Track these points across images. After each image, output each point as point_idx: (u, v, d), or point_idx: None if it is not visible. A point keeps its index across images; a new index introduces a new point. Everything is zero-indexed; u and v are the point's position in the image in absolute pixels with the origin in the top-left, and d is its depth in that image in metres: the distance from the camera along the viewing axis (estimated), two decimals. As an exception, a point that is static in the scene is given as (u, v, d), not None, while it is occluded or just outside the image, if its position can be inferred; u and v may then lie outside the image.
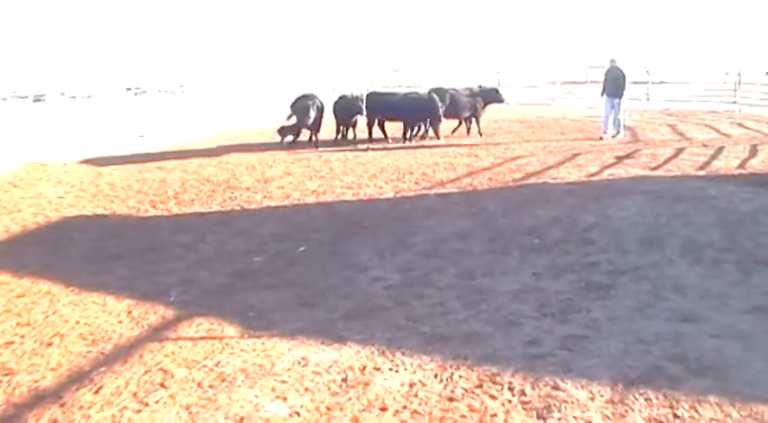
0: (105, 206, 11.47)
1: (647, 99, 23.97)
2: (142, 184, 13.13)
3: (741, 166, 12.34)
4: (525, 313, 6.47)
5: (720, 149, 14.14)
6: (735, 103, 21.69)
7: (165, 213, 10.95)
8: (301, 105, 16.80)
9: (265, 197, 11.67)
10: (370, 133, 17.47)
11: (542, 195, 10.63)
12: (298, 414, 4.77)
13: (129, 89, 39.12)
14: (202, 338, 6.17)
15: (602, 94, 16.82)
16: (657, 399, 4.72)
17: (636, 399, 4.74)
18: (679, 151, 14.14)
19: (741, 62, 23.92)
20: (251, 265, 8.21)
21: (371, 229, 9.43)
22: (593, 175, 12.05)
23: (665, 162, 12.90)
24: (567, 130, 18.32)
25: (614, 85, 16.35)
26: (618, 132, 16.79)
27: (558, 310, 6.52)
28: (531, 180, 11.86)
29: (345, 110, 17.58)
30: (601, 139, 16.56)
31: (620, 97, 16.31)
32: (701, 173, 11.92)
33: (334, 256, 8.36)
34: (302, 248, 8.83)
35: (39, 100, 31.71)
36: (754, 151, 13.70)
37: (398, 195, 11.34)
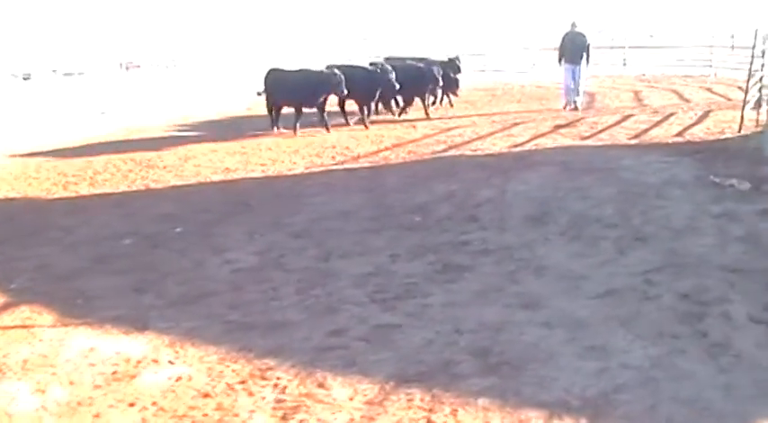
0: (20, 189, 10.87)
1: (624, 64, 23.00)
2: (66, 164, 12.47)
3: (680, 133, 11.64)
4: (355, 299, 5.91)
5: (668, 116, 13.48)
6: (710, 67, 20.71)
7: (72, 195, 10.37)
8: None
9: (176, 176, 11.06)
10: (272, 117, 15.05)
11: (451, 169, 10.05)
12: (45, 408, 4.32)
13: (122, 65, 38.62)
14: (13, 327, 5.70)
15: (560, 62, 15.66)
16: (422, 400, 4.17)
17: (398, 399, 4.20)
18: (625, 118, 13.50)
19: (732, 26, 22.88)
20: (116, 249, 7.68)
21: (257, 208, 8.91)
22: (517, 145, 11.47)
23: (601, 131, 12.26)
24: (528, 98, 17.64)
25: (575, 51, 15.16)
26: (575, 102, 15.76)
27: (394, 296, 5.95)
28: (451, 152, 11.28)
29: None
30: (565, 109, 15.58)
31: (580, 64, 15.09)
32: (633, 141, 11.23)
33: (204, 238, 7.85)
34: (178, 229, 8.22)
35: (27, 78, 31.31)
36: (702, 117, 12.94)
37: (307, 171, 10.67)
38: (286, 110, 14.30)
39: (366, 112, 14.91)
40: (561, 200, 8.15)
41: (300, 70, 14.72)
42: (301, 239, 7.61)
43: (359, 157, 11.47)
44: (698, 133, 11.69)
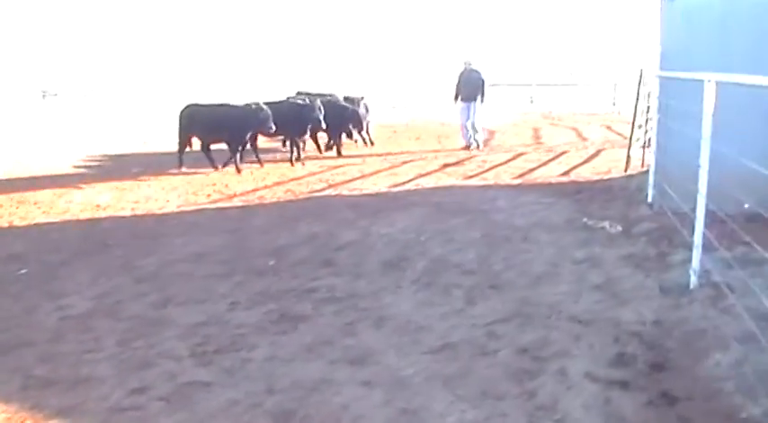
0: None
1: (531, 101, 23.02)
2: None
3: (566, 173, 11.38)
4: (174, 352, 5.47)
5: (559, 155, 13.35)
6: (614, 105, 20.83)
7: None
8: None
9: (44, 213, 10.42)
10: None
11: (322, 209, 9.56)
12: None
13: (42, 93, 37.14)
14: None
15: (455, 99, 15.35)
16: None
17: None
18: (515, 157, 13.27)
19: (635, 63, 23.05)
20: None
21: (113, 249, 8.38)
22: (398, 185, 11.08)
23: (486, 170, 12.01)
24: (429, 136, 17.23)
25: (470, 88, 14.88)
26: (476, 141, 15.47)
27: (216, 349, 5.51)
28: (328, 191, 10.75)
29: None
30: (467, 148, 15.24)
31: (477, 102, 14.81)
32: (516, 181, 10.86)
33: (46, 281, 7.28)
34: (23, 271, 7.66)
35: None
36: (593, 156, 12.81)
37: (177, 210, 10.08)
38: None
39: (296, 148, 14.40)
40: (423, 244, 7.72)
41: (223, 105, 13.90)
42: (145, 284, 7.10)
43: (234, 195, 10.89)
44: (584, 173, 11.47)
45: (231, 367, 5.15)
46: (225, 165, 13.47)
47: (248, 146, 13.91)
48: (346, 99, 15.58)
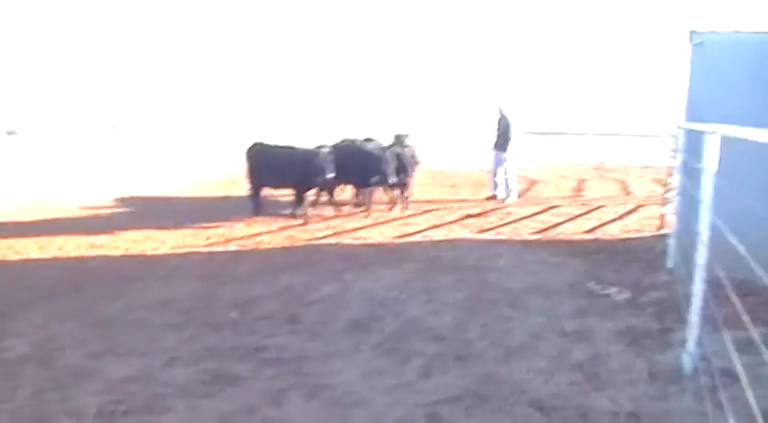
0: None
1: (584, 151, 22.02)
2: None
3: (593, 230, 10.47)
4: (81, 410, 5.03)
5: (593, 209, 12.34)
6: (672, 158, 19.60)
7: None
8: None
9: (39, 248, 10.51)
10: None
11: (312, 259, 8.99)
12: None
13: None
14: None
15: (494, 148, 14.53)
16: None
17: None
18: (544, 210, 12.33)
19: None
20: None
21: (85, 290, 8.18)
22: (405, 235, 10.33)
23: (506, 224, 11.13)
24: (466, 183, 16.36)
25: (498, 136, 14.06)
26: (507, 193, 14.39)
27: (126, 410, 5.03)
28: (328, 240, 10.07)
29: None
30: (493, 199, 14.27)
31: (504, 150, 13.95)
32: (533, 237, 10.00)
33: (4, 321, 7.07)
34: None
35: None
36: (628, 213, 11.89)
37: (170, 252, 10.02)
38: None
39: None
40: (402, 302, 7.01)
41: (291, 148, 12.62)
42: (95, 330, 6.71)
43: (232, 239, 10.22)
44: (613, 230, 10.51)
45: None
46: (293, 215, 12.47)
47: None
48: (398, 138, 14.04)
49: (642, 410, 4.80)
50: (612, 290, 7.35)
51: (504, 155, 13.92)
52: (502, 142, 13.96)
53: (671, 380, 5.24)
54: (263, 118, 27.34)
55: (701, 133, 5.34)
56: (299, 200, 12.17)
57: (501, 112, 14.13)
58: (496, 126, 14.27)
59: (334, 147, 12.36)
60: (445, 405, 4.95)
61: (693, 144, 6.98)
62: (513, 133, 14.02)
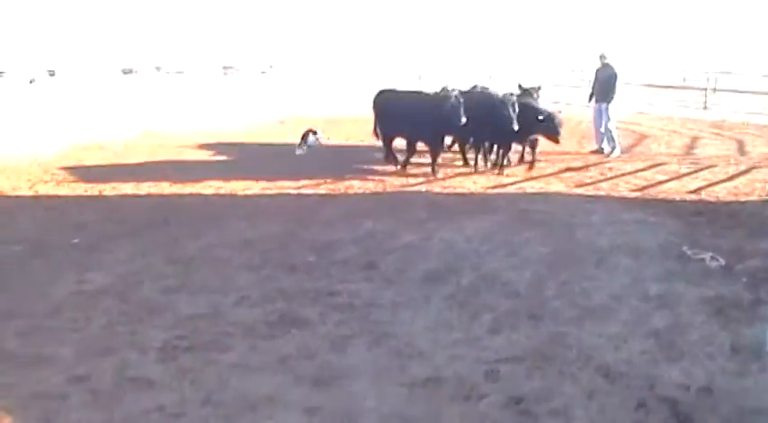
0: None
1: (705, 108, 20.91)
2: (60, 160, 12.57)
3: (697, 190, 9.94)
4: (147, 343, 5.26)
5: (702, 169, 11.75)
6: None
7: (29, 193, 10.40)
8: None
9: (135, 184, 10.37)
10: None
11: (399, 206, 8.97)
12: None
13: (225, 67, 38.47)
14: None
15: (589, 99, 13.92)
16: None
17: None
18: (649, 167, 11.83)
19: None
20: None
21: (170, 227, 8.41)
22: (498, 186, 10.11)
23: (605, 179, 10.74)
24: (573, 135, 15.70)
25: (602, 87, 13.42)
26: (612, 147, 13.66)
27: (188, 346, 5.20)
28: (419, 187, 10.03)
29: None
30: (599, 152, 13.71)
31: (608, 102, 13.33)
32: (633, 195, 9.59)
33: (88, 253, 7.43)
34: (75, 240, 7.80)
35: (129, 72, 31.33)
36: (740, 174, 11.23)
37: (260, 192, 10.41)
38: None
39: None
40: (481, 255, 6.88)
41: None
42: (174, 266, 6.89)
43: (323, 182, 10.26)
44: (720, 191, 9.90)
45: (189, 368, 4.77)
46: (404, 165, 11.90)
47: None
48: (523, 90, 12.51)
49: (716, 386, 4.55)
50: (707, 255, 6.96)
51: (609, 106, 13.22)
52: (605, 93, 13.27)
53: (753, 356, 4.94)
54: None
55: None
56: (435, 153, 11.46)
57: (603, 61, 13.42)
58: (597, 76, 13.54)
59: (472, 95, 11.63)
60: (507, 364, 4.84)
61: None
62: (618, 84, 13.30)
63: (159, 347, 5.06)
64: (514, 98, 11.04)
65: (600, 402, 4.34)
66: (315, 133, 13.78)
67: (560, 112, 12.30)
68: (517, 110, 10.66)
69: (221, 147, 13.98)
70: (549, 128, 11.13)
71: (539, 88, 12.56)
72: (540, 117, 10.93)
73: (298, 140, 13.70)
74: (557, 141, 11.52)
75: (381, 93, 11.90)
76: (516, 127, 10.57)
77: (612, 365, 4.78)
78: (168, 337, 5.22)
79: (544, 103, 12.65)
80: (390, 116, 11.47)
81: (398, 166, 11.62)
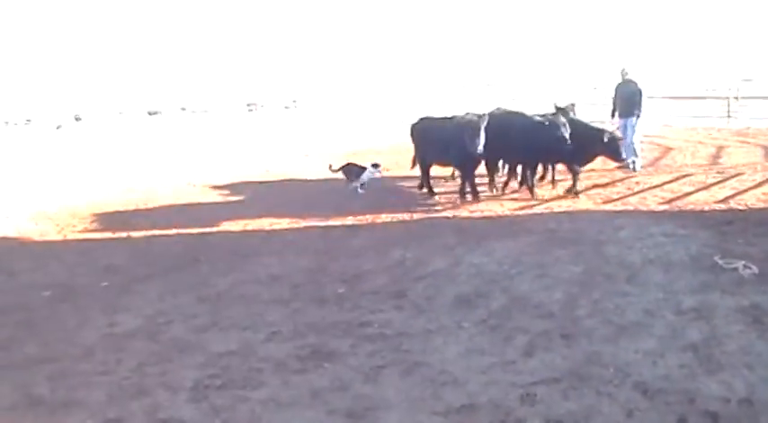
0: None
1: (728, 116, 20.73)
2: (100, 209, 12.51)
3: (726, 199, 9.85)
4: (177, 384, 5.26)
5: (729, 178, 11.63)
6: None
7: (60, 238, 10.44)
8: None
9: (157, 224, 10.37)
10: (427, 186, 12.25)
11: (427, 232, 9.03)
12: None
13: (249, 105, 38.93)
14: None
15: (612, 115, 13.85)
16: None
17: None
18: (676, 179, 11.69)
19: None
20: (25, 300, 7.42)
21: (201, 265, 8.46)
22: (524, 208, 10.00)
23: (632, 194, 10.67)
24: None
25: (626, 102, 13.36)
26: (633, 160, 13.46)
27: (220, 384, 5.22)
28: (445, 213, 10.06)
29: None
30: (625, 167, 13.48)
31: (636, 117, 13.26)
32: (661, 208, 9.55)
33: (118, 296, 7.47)
34: (104, 284, 7.87)
35: (154, 114, 31.82)
36: (765, 181, 11.05)
37: (287, 226, 10.35)
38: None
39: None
40: (511, 278, 6.84)
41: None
42: (204, 305, 6.94)
43: (348, 214, 10.30)
44: (749, 199, 9.81)
45: (221, 406, 4.78)
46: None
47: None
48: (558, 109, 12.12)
49: (757, 397, 4.46)
50: (740, 264, 6.87)
51: (633, 121, 13.15)
52: (629, 108, 13.20)
53: (794, 364, 4.79)
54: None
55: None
56: (468, 177, 11.27)
57: (624, 76, 13.38)
58: (619, 91, 13.48)
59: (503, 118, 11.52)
60: (543, 386, 4.78)
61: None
62: (644, 99, 13.24)
63: (191, 387, 5.07)
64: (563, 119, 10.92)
65: (639, 420, 4.28)
66: (376, 166, 12.78)
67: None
68: (576, 131, 10.64)
69: (247, 184, 13.96)
70: (612, 148, 11.05)
71: (573, 106, 12.35)
72: (605, 138, 10.93)
73: (332, 174, 13.12)
74: (619, 161, 11.52)
75: (421, 120, 12.01)
76: (571, 148, 10.51)
77: (650, 382, 4.71)
78: (199, 376, 5.23)
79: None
80: (432, 142, 11.51)
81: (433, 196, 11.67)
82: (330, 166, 12.81)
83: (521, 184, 11.64)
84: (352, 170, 12.58)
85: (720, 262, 6.98)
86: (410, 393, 4.81)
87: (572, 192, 11.12)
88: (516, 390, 4.73)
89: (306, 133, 20.62)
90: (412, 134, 11.98)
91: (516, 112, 12.33)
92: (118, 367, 5.49)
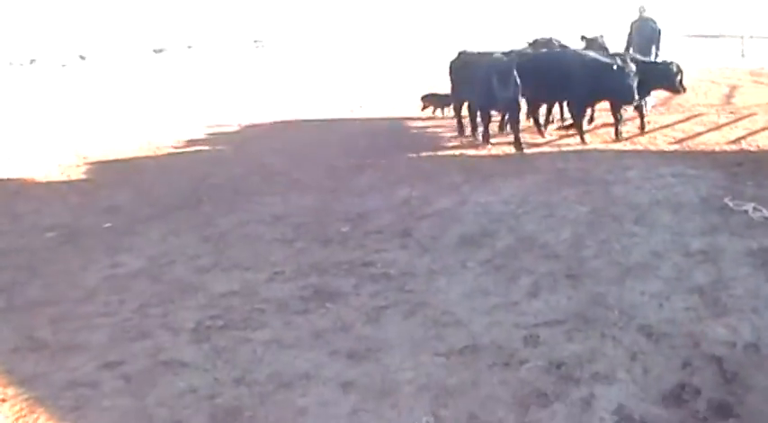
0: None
1: (742, 55, 20.29)
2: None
3: (738, 140, 9.69)
4: (178, 325, 5.22)
5: (741, 118, 11.41)
6: None
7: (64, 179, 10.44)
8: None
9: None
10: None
11: (434, 170, 8.95)
12: None
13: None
14: None
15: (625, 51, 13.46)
16: None
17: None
18: (687, 119, 11.52)
19: None
20: (29, 242, 7.38)
21: (204, 205, 8.45)
22: (532, 146, 9.89)
23: (642, 134, 10.40)
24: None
25: (642, 41, 12.99)
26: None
27: (222, 325, 5.17)
28: (454, 151, 9.80)
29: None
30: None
31: (655, 56, 12.90)
32: (672, 147, 9.40)
33: (121, 237, 7.40)
34: (108, 225, 7.82)
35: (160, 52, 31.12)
36: (781, 122, 10.77)
37: None
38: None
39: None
40: (518, 217, 6.77)
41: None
42: (207, 244, 6.89)
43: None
44: (762, 141, 9.60)
45: (223, 348, 4.75)
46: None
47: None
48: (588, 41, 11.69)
49: (763, 342, 4.40)
50: (750, 206, 6.74)
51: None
52: (646, 47, 12.85)
53: (802, 308, 4.71)
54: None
55: None
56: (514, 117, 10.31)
57: (642, 13, 13.00)
58: (634, 29, 13.12)
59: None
60: (546, 328, 4.73)
61: None
62: (659, 36, 12.88)
63: (192, 328, 5.04)
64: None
65: (644, 363, 4.23)
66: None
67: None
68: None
69: (254, 127, 13.78)
70: (671, 79, 10.36)
71: (602, 37, 11.98)
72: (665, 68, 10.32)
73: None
74: (679, 92, 10.74)
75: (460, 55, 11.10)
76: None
77: (655, 325, 4.66)
78: (201, 318, 5.20)
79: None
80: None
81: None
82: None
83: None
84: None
85: (730, 204, 6.87)
86: (412, 334, 4.76)
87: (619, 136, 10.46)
88: (520, 331, 4.68)
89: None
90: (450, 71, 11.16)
91: (568, 49, 11.57)
92: (120, 309, 5.46)
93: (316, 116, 14.07)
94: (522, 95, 9.70)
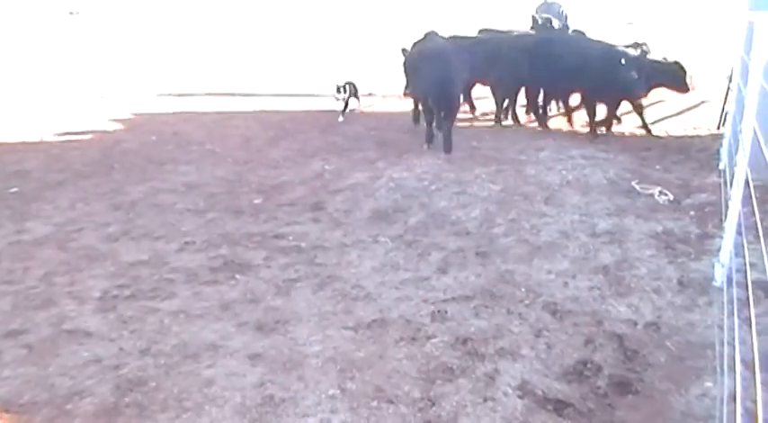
0: None
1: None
2: None
3: (645, 126, 9.81)
4: (86, 294, 5.11)
5: (651, 104, 11.57)
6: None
7: None
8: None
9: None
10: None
11: (350, 144, 8.68)
12: None
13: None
14: None
15: None
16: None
17: None
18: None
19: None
20: None
21: (114, 172, 8.31)
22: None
23: (554, 116, 10.66)
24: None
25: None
26: None
27: (129, 295, 5.07)
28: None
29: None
30: None
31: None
32: (585, 130, 9.64)
33: (27, 202, 7.26)
34: (14, 189, 7.63)
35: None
36: (688, 109, 11.33)
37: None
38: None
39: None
40: (431, 194, 6.77)
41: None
42: (117, 213, 6.73)
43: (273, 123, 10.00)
44: (669, 127, 10.01)
45: (129, 318, 4.63)
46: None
47: None
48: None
49: (663, 321, 4.52)
50: (655, 190, 6.90)
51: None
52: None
53: (701, 290, 4.91)
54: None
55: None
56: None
57: None
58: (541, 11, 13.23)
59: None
60: (454, 303, 4.76)
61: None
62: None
63: (99, 297, 4.90)
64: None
65: (548, 340, 4.28)
66: None
67: None
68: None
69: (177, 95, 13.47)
70: (678, 78, 9.48)
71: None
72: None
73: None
74: (684, 91, 9.64)
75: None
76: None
77: (560, 302, 4.73)
78: (108, 287, 5.07)
79: None
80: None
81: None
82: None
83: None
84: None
85: (637, 187, 7.01)
86: (321, 307, 4.72)
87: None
88: (428, 306, 4.69)
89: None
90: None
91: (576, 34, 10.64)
92: (24, 276, 5.28)
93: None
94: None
